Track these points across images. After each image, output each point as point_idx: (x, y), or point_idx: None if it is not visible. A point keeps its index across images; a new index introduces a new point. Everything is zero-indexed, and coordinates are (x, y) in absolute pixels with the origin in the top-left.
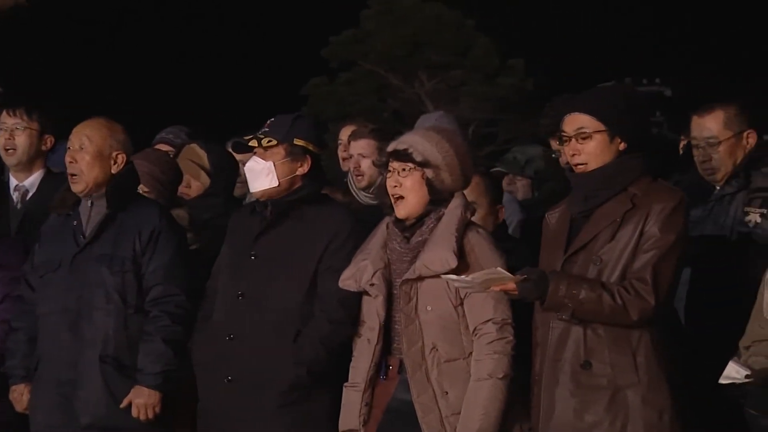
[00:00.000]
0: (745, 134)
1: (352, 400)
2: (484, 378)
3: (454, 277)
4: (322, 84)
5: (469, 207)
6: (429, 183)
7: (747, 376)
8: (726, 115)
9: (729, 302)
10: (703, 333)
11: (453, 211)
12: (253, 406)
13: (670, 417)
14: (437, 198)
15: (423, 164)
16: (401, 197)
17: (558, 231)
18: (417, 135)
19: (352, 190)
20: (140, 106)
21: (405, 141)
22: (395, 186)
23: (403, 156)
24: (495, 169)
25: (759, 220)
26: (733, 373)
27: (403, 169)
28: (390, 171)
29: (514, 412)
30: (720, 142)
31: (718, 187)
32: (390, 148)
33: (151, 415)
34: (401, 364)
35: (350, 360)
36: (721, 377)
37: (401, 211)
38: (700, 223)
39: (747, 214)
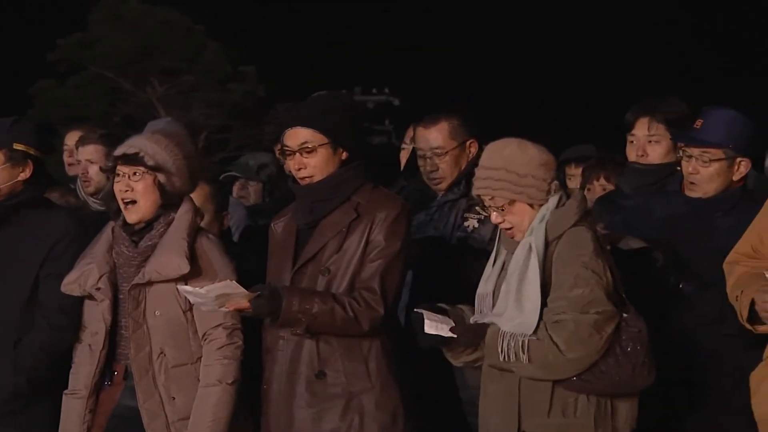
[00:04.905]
0: (467, 144)
1: (72, 407)
2: (213, 383)
3: (189, 288)
4: (51, 87)
5: (198, 212)
6: (161, 187)
7: (452, 329)
8: (450, 126)
9: (447, 303)
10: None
11: (183, 215)
12: None
13: (402, 418)
14: (168, 202)
15: (155, 168)
16: (133, 201)
17: (285, 242)
18: (145, 139)
19: (80, 196)
20: None
21: (135, 145)
22: (126, 191)
23: (134, 160)
24: (228, 173)
25: (477, 225)
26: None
27: (134, 173)
28: (119, 175)
29: (241, 417)
30: (446, 152)
31: (441, 194)
32: (118, 152)
33: None
34: (127, 369)
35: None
36: (425, 327)
37: (132, 215)
38: (422, 228)
39: (466, 219)
